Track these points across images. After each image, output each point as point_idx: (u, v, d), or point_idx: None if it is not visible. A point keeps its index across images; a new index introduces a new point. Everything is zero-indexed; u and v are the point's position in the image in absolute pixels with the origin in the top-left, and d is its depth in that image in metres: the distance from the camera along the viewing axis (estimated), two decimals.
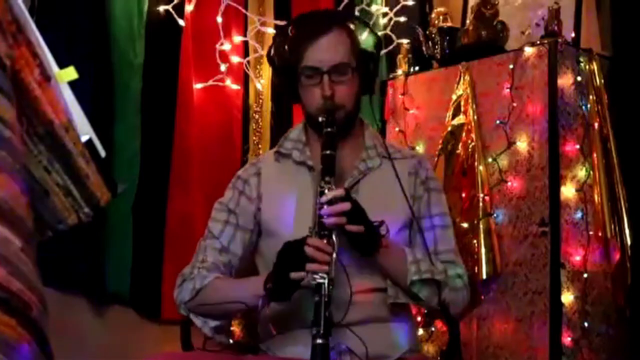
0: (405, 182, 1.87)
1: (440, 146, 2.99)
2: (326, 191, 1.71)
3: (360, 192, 1.85)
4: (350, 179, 1.86)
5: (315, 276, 1.63)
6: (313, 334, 1.60)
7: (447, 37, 3.18)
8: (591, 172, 2.79)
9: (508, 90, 2.85)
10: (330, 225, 1.68)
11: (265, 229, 1.91)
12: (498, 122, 2.85)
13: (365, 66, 1.86)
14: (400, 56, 3.27)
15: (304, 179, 1.88)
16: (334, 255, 1.65)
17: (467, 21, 3.21)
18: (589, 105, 2.83)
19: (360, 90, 1.88)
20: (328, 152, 1.76)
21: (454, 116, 2.99)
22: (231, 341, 1.98)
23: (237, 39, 3.10)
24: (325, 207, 1.68)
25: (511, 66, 2.85)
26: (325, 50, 1.80)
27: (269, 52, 1.94)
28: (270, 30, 3.15)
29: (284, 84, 1.90)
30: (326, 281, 1.62)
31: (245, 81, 3.16)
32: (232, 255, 1.90)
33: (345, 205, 1.69)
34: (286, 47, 1.90)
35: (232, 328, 2.44)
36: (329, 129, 1.78)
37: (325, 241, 1.66)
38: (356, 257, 1.77)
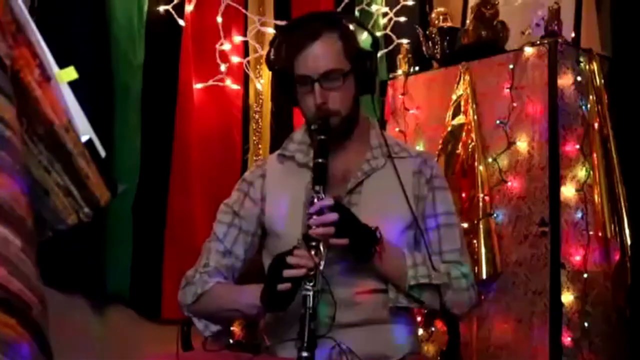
0: (409, 182, 1.86)
1: (440, 146, 2.99)
2: (315, 201, 1.70)
3: (363, 193, 1.83)
4: (353, 180, 1.85)
5: (302, 288, 1.63)
6: (298, 347, 1.60)
7: (447, 37, 3.18)
8: (591, 172, 2.79)
9: (508, 90, 2.85)
10: (317, 235, 1.67)
11: (270, 230, 1.90)
12: (498, 122, 2.85)
13: (361, 67, 1.83)
14: (400, 56, 3.27)
15: (305, 181, 1.86)
16: (321, 266, 1.64)
17: (467, 21, 3.21)
18: (589, 105, 2.83)
19: (358, 92, 1.85)
20: (320, 160, 1.75)
21: (454, 116, 2.99)
22: (231, 341, 1.98)
23: (237, 39, 3.09)
24: (314, 217, 1.68)
25: (511, 66, 2.85)
26: (314, 58, 1.78)
27: (267, 57, 1.93)
28: (270, 30, 3.15)
29: (282, 89, 1.89)
30: (311, 293, 1.62)
31: (245, 81, 3.16)
32: (234, 258, 1.90)
33: (332, 216, 1.68)
34: (280, 53, 1.88)
35: (232, 328, 2.44)
36: (322, 137, 1.77)
37: (313, 252, 1.65)
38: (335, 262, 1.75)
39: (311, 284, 1.63)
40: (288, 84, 1.86)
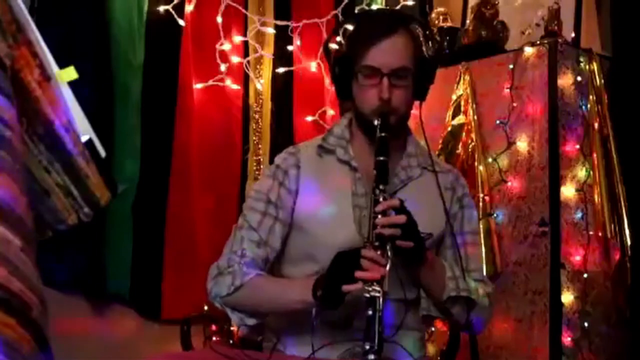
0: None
1: (440, 146, 2.99)
2: (381, 199, 1.67)
3: None
4: (390, 186, 1.80)
5: (369, 289, 1.58)
6: (366, 349, 1.56)
7: (447, 37, 3.18)
8: (591, 172, 2.79)
9: (508, 90, 2.85)
10: (387, 236, 1.63)
11: (298, 224, 1.85)
12: (498, 122, 2.86)
13: (423, 72, 1.83)
14: None
15: (345, 179, 1.84)
16: (388, 267, 1.61)
17: (467, 21, 3.21)
18: (589, 105, 2.83)
19: (413, 96, 1.84)
20: (382, 158, 1.72)
21: (454, 116, 2.99)
22: (231, 341, 1.97)
23: (237, 39, 3.09)
24: (379, 216, 1.64)
25: (511, 66, 2.86)
26: (388, 52, 1.77)
27: (327, 41, 1.90)
28: (271, 30, 3.15)
29: (337, 77, 1.85)
30: (381, 295, 1.58)
31: (245, 81, 3.15)
32: (270, 250, 1.83)
33: (402, 218, 1.66)
34: (351, 41, 1.84)
35: (232, 328, 2.44)
36: (382, 134, 1.75)
37: (379, 252, 1.62)
38: (394, 265, 1.70)
39: (378, 286, 1.58)
40: (345, 73, 1.82)
